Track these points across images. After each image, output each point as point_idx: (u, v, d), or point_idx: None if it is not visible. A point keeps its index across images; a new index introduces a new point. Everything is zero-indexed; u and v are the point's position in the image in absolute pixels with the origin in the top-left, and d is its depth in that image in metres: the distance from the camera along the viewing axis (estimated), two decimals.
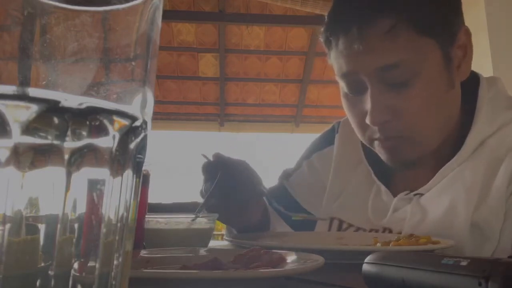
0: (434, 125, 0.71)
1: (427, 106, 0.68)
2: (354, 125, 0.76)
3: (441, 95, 0.70)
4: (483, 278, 0.25)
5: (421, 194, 0.73)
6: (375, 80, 0.67)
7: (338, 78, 0.74)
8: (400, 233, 0.70)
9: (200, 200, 0.77)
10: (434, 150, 0.73)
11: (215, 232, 0.87)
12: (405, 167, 0.75)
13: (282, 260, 0.44)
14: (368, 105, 0.69)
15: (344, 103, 0.76)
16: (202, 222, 0.71)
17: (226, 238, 0.72)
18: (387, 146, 0.71)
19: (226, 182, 0.73)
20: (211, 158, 0.76)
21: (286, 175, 0.93)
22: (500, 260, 0.26)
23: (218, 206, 0.76)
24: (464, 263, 0.27)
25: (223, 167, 0.74)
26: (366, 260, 0.35)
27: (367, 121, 0.69)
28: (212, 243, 0.77)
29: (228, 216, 0.79)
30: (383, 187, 0.79)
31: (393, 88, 0.67)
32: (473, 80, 0.76)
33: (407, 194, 0.75)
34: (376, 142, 0.73)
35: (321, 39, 0.76)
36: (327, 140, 0.93)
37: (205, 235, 0.72)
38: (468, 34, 0.72)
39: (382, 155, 0.74)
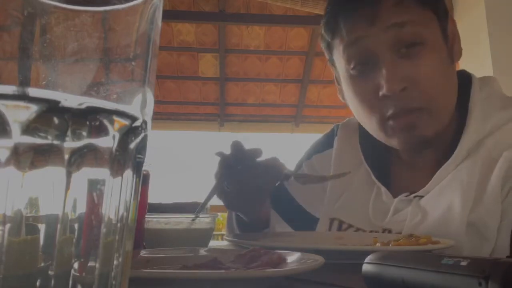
0: (445, 96, 0.72)
1: (438, 74, 0.70)
2: (363, 108, 0.74)
3: (447, 67, 0.72)
4: (483, 278, 0.25)
5: (421, 196, 0.73)
6: (386, 46, 0.69)
7: (344, 57, 0.74)
8: (400, 233, 0.70)
9: (200, 200, 0.77)
10: (433, 148, 0.73)
11: (215, 232, 0.87)
12: (418, 149, 0.75)
13: (282, 260, 0.44)
14: (381, 77, 0.69)
15: (351, 88, 0.75)
16: (202, 222, 0.71)
17: (226, 238, 0.72)
18: (404, 122, 0.70)
19: (246, 165, 0.73)
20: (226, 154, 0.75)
21: (286, 176, 0.94)
22: (500, 260, 0.26)
23: (234, 190, 0.75)
24: (464, 263, 0.27)
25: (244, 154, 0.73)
26: (366, 260, 0.35)
27: (383, 91, 0.69)
28: (212, 243, 0.77)
29: (244, 201, 0.78)
30: (383, 188, 0.79)
31: (405, 58, 0.69)
32: (466, 81, 0.76)
33: (407, 195, 0.75)
34: (390, 123, 0.72)
35: (324, 29, 0.77)
36: (326, 143, 0.93)
37: (205, 235, 0.72)
38: (454, 22, 0.77)
39: (397, 135, 0.72)
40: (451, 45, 0.74)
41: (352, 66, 0.73)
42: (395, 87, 0.68)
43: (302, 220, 0.87)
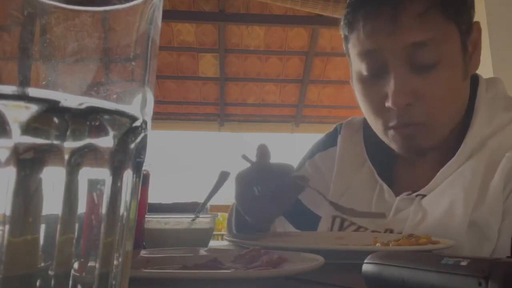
0: (450, 113, 0.72)
1: (447, 92, 0.69)
2: (369, 111, 0.75)
3: (459, 84, 0.71)
4: (483, 278, 0.25)
5: (423, 195, 0.73)
6: (400, 61, 0.68)
7: (358, 59, 0.73)
8: (400, 233, 0.70)
9: (200, 200, 0.77)
10: (437, 147, 0.73)
11: (215, 232, 0.87)
12: (416, 155, 0.75)
13: (282, 260, 0.44)
14: (388, 88, 0.69)
15: (359, 87, 0.75)
16: (202, 222, 0.71)
17: (226, 238, 0.72)
18: (404, 133, 0.71)
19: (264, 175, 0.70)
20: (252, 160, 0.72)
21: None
22: (500, 260, 0.26)
23: (265, 197, 0.72)
24: (464, 263, 0.27)
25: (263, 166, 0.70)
26: (366, 260, 0.35)
27: (389, 103, 0.68)
28: (212, 243, 0.77)
29: (266, 209, 0.74)
30: (385, 187, 0.79)
31: (417, 72, 0.68)
32: (473, 81, 0.76)
33: (408, 194, 0.75)
34: (391, 131, 0.72)
35: (344, 20, 0.76)
36: (329, 141, 0.93)
37: (205, 235, 0.72)
38: (480, 30, 0.74)
39: (396, 142, 0.73)
40: (469, 58, 0.73)
41: (364, 70, 0.72)
42: (401, 101, 0.68)
43: (305, 218, 0.87)
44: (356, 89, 0.76)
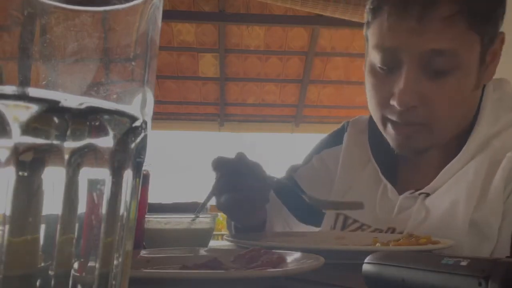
0: (454, 119, 0.72)
1: (455, 100, 0.69)
2: (373, 102, 0.75)
3: (469, 93, 0.71)
4: (483, 278, 0.25)
5: (426, 194, 0.74)
6: (415, 63, 0.67)
7: (373, 50, 0.72)
8: (402, 232, 0.71)
9: (200, 200, 0.77)
10: (441, 146, 0.73)
11: (215, 232, 0.87)
12: (412, 154, 0.75)
13: (282, 260, 0.44)
14: (397, 86, 0.68)
15: (369, 79, 0.75)
16: (202, 222, 0.71)
17: (226, 238, 0.72)
18: (402, 132, 0.71)
19: (235, 177, 0.71)
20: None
21: (295, 169, 0.94)
22: (500, 260, 0.26)
23: (228, 201, 0.73)
24: (464, 263, 0.27)
25: (234, 165, 0.71)
26: (366, 260, 0.35)
27: (394, 102, 0.68)
28: (212, 243, 0.77)
29: (237, 211, 0.77)
30: (389, 185, 0.79)
31: (429, 76, 0.67)
32: None
33: (411, 193, 0.75)
34: (389, 125, 0.72)
35: (369, 5, 0.74)
36: (336, 138, 0.93)
37: (205, 235, 0.72)
38: (503, 41, 0.73)
39: (393, 140, 0.73)
40: (484, 69, 0.72)
41: (378, 62, 0.72)
42: (406, 102, 0.67)
43: (309, 212, 0.86)
44: (367, 77, 0.76)
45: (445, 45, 0.65)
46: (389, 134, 0.74)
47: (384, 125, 0.74)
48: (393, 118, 0.71)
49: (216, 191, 0.73)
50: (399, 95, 0.67)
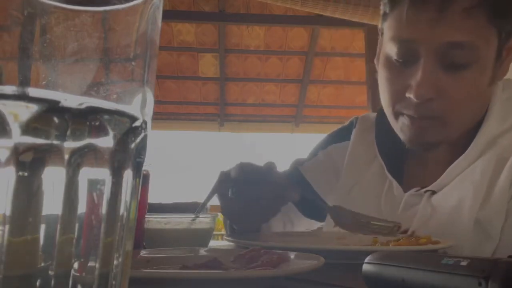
0: (468, 114, 0.72)
1: (471, 94, 0.69)
2: (386, 95, 0.74)
3: (484, 88, 0.71)
4: (483, 278, 0.25)
5: (432, 191, 0.74)
6: (433, 56, 0.67)
7: (390, 42, 0.72)
8: (407, 231, 0.70)
9: (200, 200, 0.77)
10: (450, 143, 0.73)
11: (215, 232, 0.87)
12: (422, 149, 0.75)
13: (282, 260, 0.44)
14: (414, 78, 0.68)
15: (384, 72, 0.74)
16: (202, 222, 0.71)
17: (226, 238, 0.72)
18: (416, 125, 0.71)
19: (256, 186, 0.69)
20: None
21: (300, 162, 0.93)
22: (500, 260, 0.26)
23: (239, 210, 0.72)
24: (464, 263, 0.27)
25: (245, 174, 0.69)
26: (366, 260, 0.35)
27: (410, 94, 0.68)
28: (212, 243, 0.77)
29: (244, 221, 0.76)
30: (395, 183, 0.79)
31: (446, 69, 0.67)
32: None
33: (417, 190, 0.75)
34: (403, 118, 0.72)
35: None
36: (344, 134, 0.93)
37: (205, 235, 0.72)
38: None
39: (405, 133, 0.73)
40: (500, 64, 0.71)
41: (394, 54, 0.71)
42: (424, 95, 0.67)
43: (314, 206, 0.86)
44: (381, 70, 0.75)
45: (463, 38, 0.65)
46: (402, 127, 0.73)
47: (397, 120, 0.74)
48: (408, 111, 0.70)
49: (227, 197, 0.71)
50: (416, 87, 0.67)
